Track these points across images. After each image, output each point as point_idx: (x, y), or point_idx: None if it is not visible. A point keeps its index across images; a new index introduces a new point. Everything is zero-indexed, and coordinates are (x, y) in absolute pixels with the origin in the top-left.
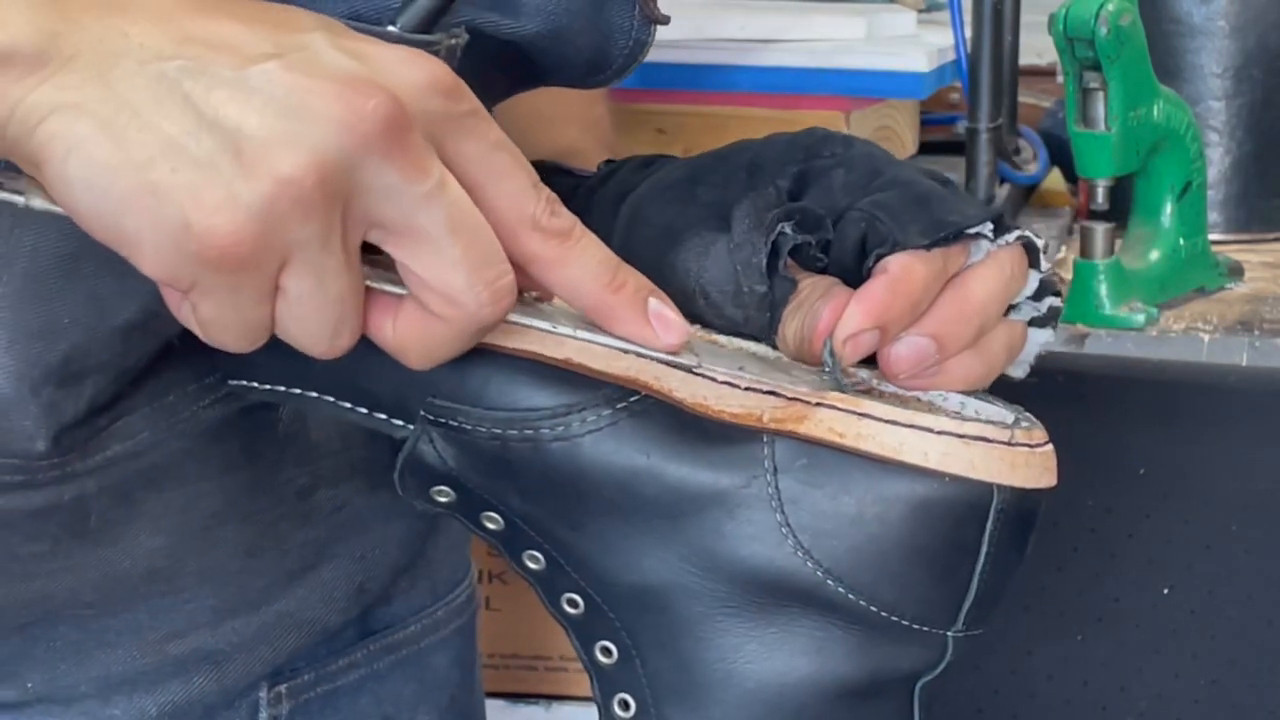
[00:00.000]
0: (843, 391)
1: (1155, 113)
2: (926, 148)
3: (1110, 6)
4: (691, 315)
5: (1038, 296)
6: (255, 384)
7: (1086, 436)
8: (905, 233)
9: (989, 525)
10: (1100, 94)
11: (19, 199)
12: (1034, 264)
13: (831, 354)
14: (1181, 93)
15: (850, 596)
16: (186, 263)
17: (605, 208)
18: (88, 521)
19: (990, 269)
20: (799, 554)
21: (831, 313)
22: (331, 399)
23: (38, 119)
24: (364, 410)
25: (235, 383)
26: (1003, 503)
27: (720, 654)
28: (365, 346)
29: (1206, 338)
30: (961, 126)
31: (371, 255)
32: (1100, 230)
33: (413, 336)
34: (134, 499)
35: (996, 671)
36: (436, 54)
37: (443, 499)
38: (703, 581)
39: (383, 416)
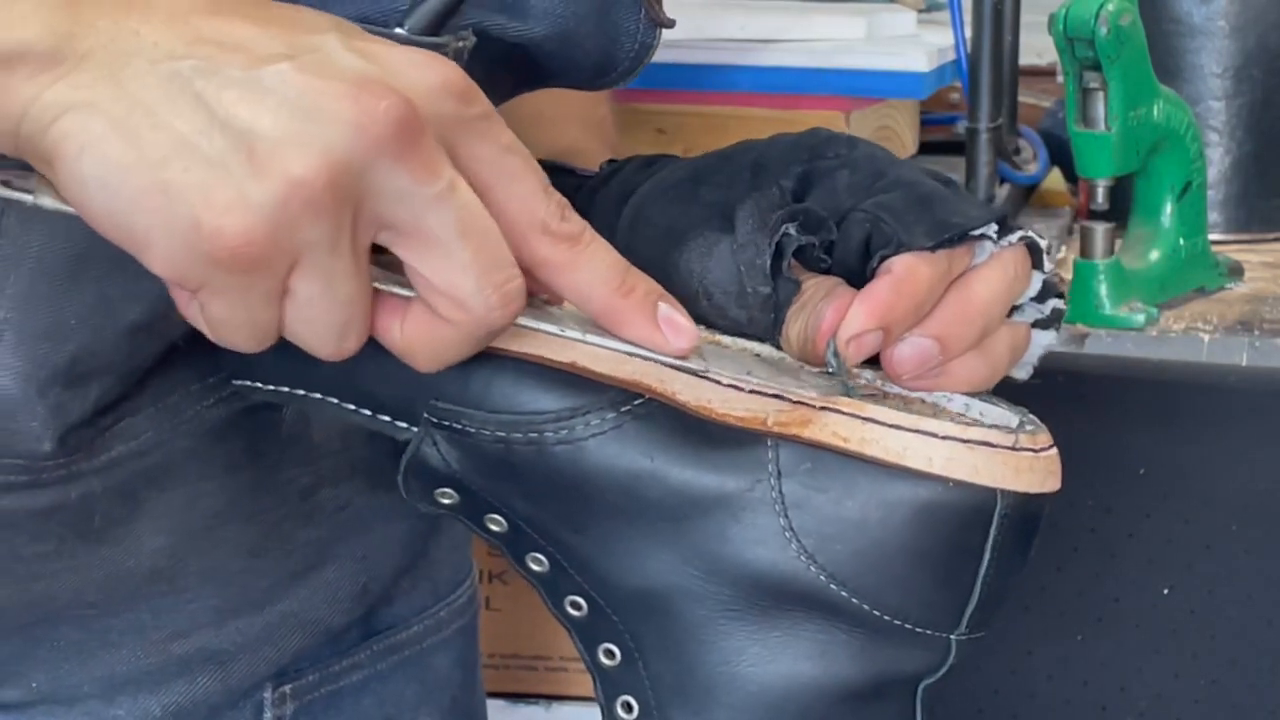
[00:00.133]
0: (849, 393)
1: (1155, 113)
2: (926, 148)
3: (1110, 6)
4: (695, 316)
5: (1041, 298)
6: (259, 384)
7: (1086, 436)
8: (909, 234)
9: (992, 530)
10: (1100, 94)
11: (28, 197)
12: (1037, 265)
13: (836, 354)
14: (1181, 93)
15: (854, 600)
16: (196, 262)
17: (608, 208)
18: (92, 521)
19: (994, 270)
20: (802, 558)
21: (835, 313)
22: (335, 401)
23: (51, 118)
24: (367, 412)
25: (239, 383)
26: (1006, 507)
27: (723, 657)
28: (370, 348)
29: (1206, 338)
30: (961, 126)
31: (380, 257)
32: (1100, 230)
33: (421, 339)
34: (138, 498)
35: (996, 671)
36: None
37: (446, 501)
38: (706, 585)
39: (386, 419)
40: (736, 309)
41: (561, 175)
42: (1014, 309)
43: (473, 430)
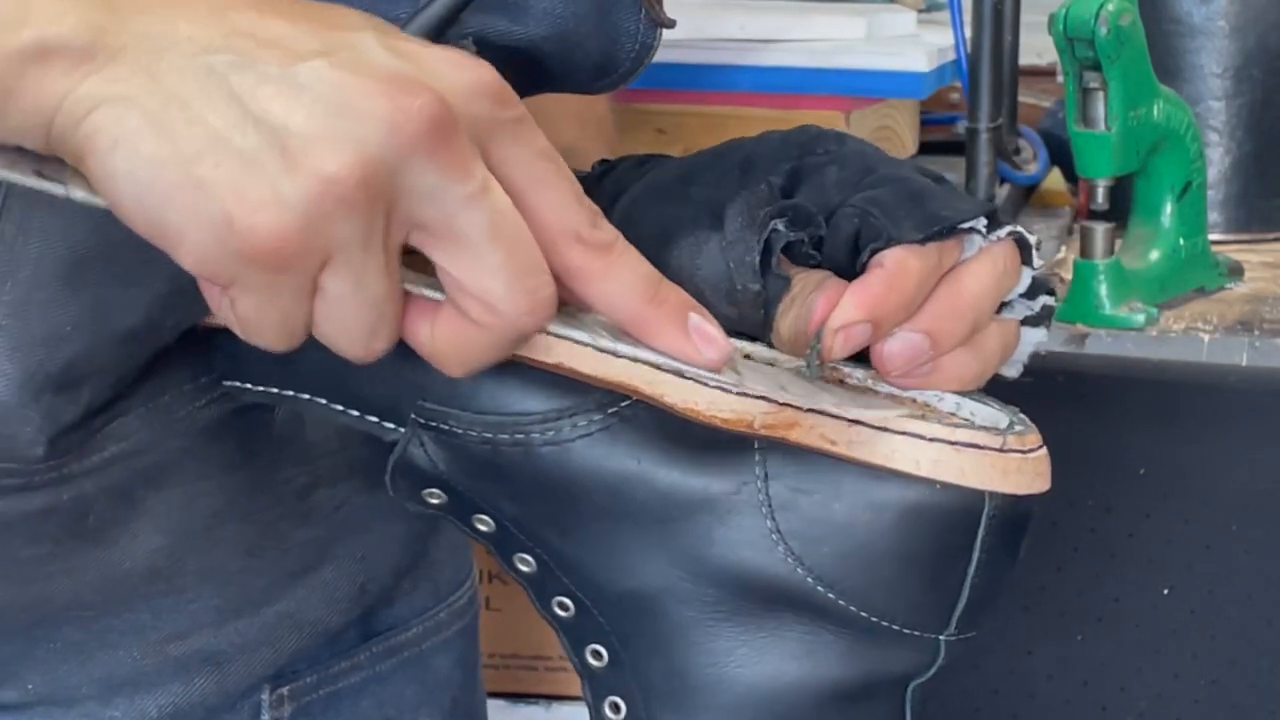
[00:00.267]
0: (810, 377)
1: (1155, 113)
2: (926, 148)
3: (1110, 6)
4: None
5: (1031, 294)
6: (248, 385)
7: (1086, 436)
8: (899, 228)
9: (980, 532)
10: (1100, 94)
11: (60, 189)
12: (1026, 261)
13: (817, 343)
14: (1181, 93)
15: (840, 602)
16: (227, 259)
17: (600, 207)
18: (86, 522)
19: (983, 264)
20: (789, 560)
21: (825, 303)
22: (323, 401)
23: (85, 111)
24: (355, 413)
25: (229, 384)
26: (994, 509)
27: (711, 658)
28: None
29: (1206, 338)
30: (961, 126)
31: (411, 257)
32: (1100, 230)
33: (450, 343)
34: (133, 499)
35: (996, 671)
36: None
37: (434, 501)
38: (693, 586)
39: (374, 419)
40: (727, 306)
41: None
42: (1004, 305)
43: (459, 431)
